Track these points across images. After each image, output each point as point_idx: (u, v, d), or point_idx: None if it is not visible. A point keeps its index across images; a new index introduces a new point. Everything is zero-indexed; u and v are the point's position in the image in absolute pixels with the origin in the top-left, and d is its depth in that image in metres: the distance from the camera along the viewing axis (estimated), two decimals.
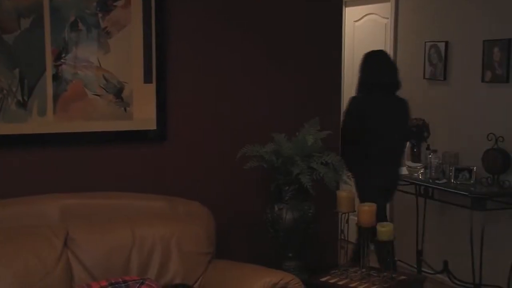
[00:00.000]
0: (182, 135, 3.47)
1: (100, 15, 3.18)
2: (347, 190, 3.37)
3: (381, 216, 3.55)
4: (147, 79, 3.32)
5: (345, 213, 3.31)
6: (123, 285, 2.70)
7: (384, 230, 3.17)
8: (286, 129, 3.40)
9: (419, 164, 4.68)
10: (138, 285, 2.69)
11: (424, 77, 5.11)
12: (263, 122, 3.63)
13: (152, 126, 3.37)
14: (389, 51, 5.40)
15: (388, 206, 4.94)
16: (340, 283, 3.17)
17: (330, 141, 3.49)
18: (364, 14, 5.92)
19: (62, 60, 3.13)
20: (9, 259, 2.70)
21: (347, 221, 3.32)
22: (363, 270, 3.28)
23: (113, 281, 2.72)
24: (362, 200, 4.00)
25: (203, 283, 3.05)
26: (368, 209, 3.22)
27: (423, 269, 4.92)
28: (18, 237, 2.80)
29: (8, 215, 2.92)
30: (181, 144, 3.47)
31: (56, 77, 3.12)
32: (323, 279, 3.22)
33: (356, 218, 3.29)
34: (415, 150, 4.70)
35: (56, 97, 3.13)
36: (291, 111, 3.72)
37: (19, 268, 2.70)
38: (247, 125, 3.62)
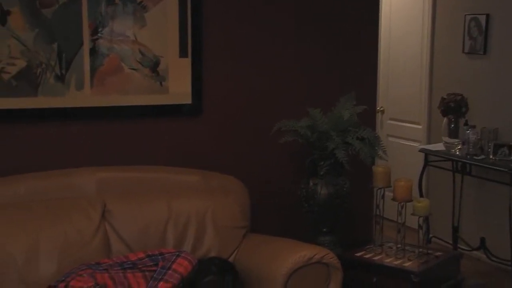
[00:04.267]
0: (217, 109, 3.48)
1: None
2: (383, 165, 3.34)
3: None
4: (182, 53, 3.32)
5: (380, 188, 3.28)
6: (159, 257, 2.74)
7: (421, 205, 3.14)
8: (321, 104, 3.37)
9: (457, 140, 4.60)
10: (174, 257, 2.72)
11: (463, 51, 4.99)
12: (298, 97, 3.61)
13: (188, 100, 3.38)
14: (427, 24, 5.29)
15: (424, 182, 4.89)
16: (375, 258, 3.16)
17: (366, 116, 3.46)
18: None
19: (99, 34, 3.15)
20: (49, 230, 2.76)
21: (383, 197, 3.29)
22: (399, 245, 3.26)
23: (150, 253, 2.76)
24: None
25: (237, 256, 3.07)
26: (404, 184, 3.18)
27: (459, 245, 4.87)
28: (56, 209, 2.86)
29: (47, 187, 2.98)
30: (216, 119, 3.48)
31: (93, 51, 3.14)
32: (358, 254, 3.22)
33: (391, 194, 3.26)
34: (452, 125, 4.62)
35: (93, 71, 3.15)
36: (327, 86, 3.68)
37: (58, 239, 2.76)
38: (282, 100, 3.60)
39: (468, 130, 4.47)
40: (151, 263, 2.72)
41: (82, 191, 3.01)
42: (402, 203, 3.18)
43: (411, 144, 5.49)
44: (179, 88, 3.34)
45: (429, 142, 5.23)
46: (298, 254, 2.82)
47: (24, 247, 2.69)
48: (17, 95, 3.02)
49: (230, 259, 3.04)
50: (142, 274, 2.68)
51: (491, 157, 4.36)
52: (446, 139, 4.65)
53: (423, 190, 4.88)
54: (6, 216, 2.76)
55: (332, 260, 2.87)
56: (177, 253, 2.75)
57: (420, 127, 5.45)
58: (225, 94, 3.49)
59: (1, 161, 3.05)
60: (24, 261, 2.67)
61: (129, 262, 2.70)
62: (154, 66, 3.27)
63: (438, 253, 3.25)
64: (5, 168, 3.01)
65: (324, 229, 3.34)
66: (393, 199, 3.21)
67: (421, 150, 4.79)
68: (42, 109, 3.08)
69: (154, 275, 2.66)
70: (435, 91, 5.24)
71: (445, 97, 4.62)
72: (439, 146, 4.69)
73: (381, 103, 5.66)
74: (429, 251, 3.24)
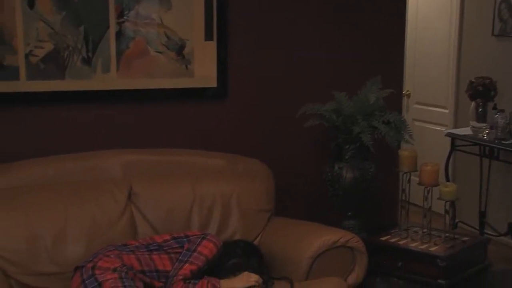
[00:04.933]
0: (242, 93, 3.47)
1: None
2: (409, 149, 3.31)
3: None
4: (208, 37, 3.32)
5: (406, 172, 3.26)
6: (185, 239, 2.76)
7: (448, 190, 3.11)
8: (347, 88, 3.34)
9: (484, 124, 4.53)
10: (199, 240, 2.74)
11: (492, 34, 4.90)
12: (323, 81, 3.59)
13: (213, 83, 3.38)
14: (456, 6, 5.21)
15: (450, 166, 4.84)
16: (400, 242, 3.15)
17: (392, 99, 3.42)
18: None
19: (125, 17, 3.16)
20: (76, 212, 2.80)
21: (409, 181, 3.27)
22: (424, 230, 3.24)
23: (175, 236, 2.78)
24: None
25: (262, 239, 3.08)
26: (431, 168, 3.15)
27: (485, 231, 4.82)
28: (84, 191, 2.89)
29: (73, 169, 3.01)
30: (241, 102, 3.48)
31: (119, 34, 3.15)
32: (383, 238, 3.20)
33: (417, 178, 3.23)
34: (480, 110, 4.55)
35: (119, 54, 3.17)
36: (353, 70, 3.65)
37: (85, 220, 2.80)
38: (307, 83, 3.58)
39: (496, 114, 4.41)
40: (177, 245, 2.74)
41: (109, 174, 3.04)
42: (429, 188, 3.15)
43: (437, 128, 5.43)
44: (204, 71, 3.34)
45: (456, 127, 5.17)
46: (323, 237, 2.82)
47: (53, 228, 2.73)
48: (45, 77, 3.05)
49: (255, 242, 3.05)
50: (168, 256, 2.70)
51: None
52: (474, 123, 4.58)
53: (450, 175, 4.83)
54: (35, 197, 2.81)
55: (357, 244, 2.86)
56: (202, 235, 2.77)
57: (447, 111, 5.38)
58: (250, 77, 3.48)
59: (30, 143, 3.09)
60: (53, 241, 2.72)
61: (155, 244, 2.73)
62: (179, 50, 3.28)
63: (465, 238, 3.22)
64: (33, 150, 3.05)
65: (349, 213, 3.33)
66: (419, 183, 3.18)
67: (448, 135, 4.74)
68: (69, 91, 3.11)
69: (180, 257, 2.68)
70: (463, 74, 5.16)
71: (473, 80, 4.55)
72: (466, 131, 4.64)
73: (407, 87, 5.59)
74: (456, 236, 3.22)
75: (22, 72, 3.00)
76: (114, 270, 2.47)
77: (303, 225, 3.06)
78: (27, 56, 3.00)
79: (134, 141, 3.26)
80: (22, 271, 2.66)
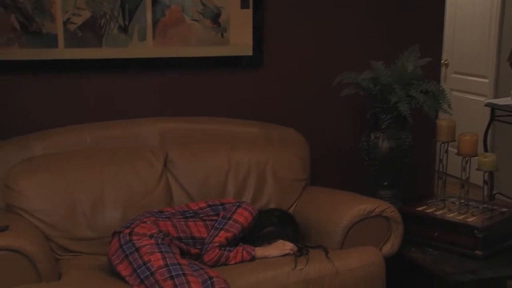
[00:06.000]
0: (278, 61, 3.45)
1: None
2: (447, 119, 3.25)
3: None
4: (244, 4, 3.29)
5: (444, 142, 3.21)
6: (220, 207, 2.78)
7: (487, 160, 3.05)
8: (384, 56, 3.29)
9: None
10: (235, 208, 2.76)
11: None
12: (360, 49, 3.54)
13: (249, 52, 3.36)
14: None
15: (489, 137, 4.75)
16: (437, 213, 3.12)
17: (431, 68, 3.36)
18: None
19: None
20: (113, 178, 2.84)
21: (446, 151, 3.21)
22: (462, 201, 3.20)
23: (211, 203, 2.80)
24: None
25: (297, 208, 3.08)
26: (469, 138, 3.10)
27: None
28: (120, 158, 2.93)
29: (110, 137, 3.05)
30: (277, 70, 3.45)
31: (155, 2, 3.15)
32: (419, 209, 3.17)
33: (455, 150, 3.18)
34: None
35: (155, 22, 3.17)
36: (390, 38, 3.59)
37: (122, 187, 2.84)
38: (344, 52, 3.54)
39: None
40: (212, 213, 2.77)
41: (145, 141, 3.07)
42: (467, 158, 3.10)
43: (476, 98, 5.33)
44: (240, 39, 3.32)
45: (496, 96, 5.06)
46: (358, 207, 2.81)
47: (91, 194, 2.78)
48: (82, 45, 3.08)
49: (290, 211, 3.05)
50: (204, 223, 2.73)
51: None
52: None
53: (489, 146, 4.74)
54: (74, 163, 2.85)
55: (393, 214, 2.85)
56: (238, 203, 2.79)
57: (486, 80, 5.27)
58: (286, 46, 3.45)
59: (67, 110, 3.14)
60: (91, 207, 2.77)
61: (190, 211, 2.76)
62: (215, 17, 3.26)
63: (504, 210, 3.17)
64: (71, 118, 3.10)
65: (385, 183, 3.30)
66: (458, 153, 3.12)
67: (487, 105, 4.64)
68: (106, 59, 3.13)
69: (215, 225, 2.71)
70: (505, 42, 5.03)
71: None
72: (506, 101, 4.53)
73: (445, 56, 5.48)
74: (494, 207, 3.17)
75: (60, 39, 3.03)
76: (151, 236, 2.51)
77: (338, 194, 3.06)
78: (65, 23, 3.03)
79: (169, 109, 3.28)
80: (61, 235, 2.72)
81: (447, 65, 5.63)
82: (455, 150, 3.16)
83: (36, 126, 3.01)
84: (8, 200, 2.74)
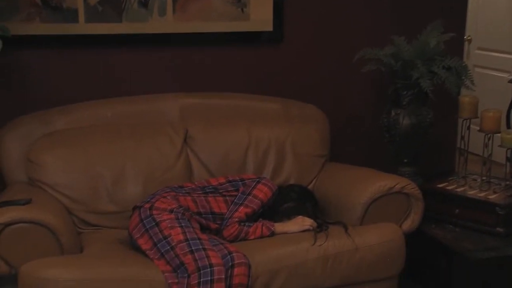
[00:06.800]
0: (298, 37, 3.42)
1: None
2: (470, 95, 3.21)
3: None
4: None
5: (466, 119, 3.17)
6: (240, 183, 2.79)
7: (510, 137, 3.01)
8: (406, 32, 3.24)
9: None
10: (254, 183, 2.76)
11: None
12: (382, 25, 3.49)
13: (269, 27, 3.34)
14: None
15: None
16: (458, 190, 3.09)
17: (454, 44, 3.31)
18: None
19: None
20: (134, 153, 2.86)
21: (468, 128, 3.18)
22: (483, 178, 3.17)
23: (230, 179, 2.81)
24: None
25: (317, 184, 3.08)
26: (493, 115, 3.06)
27: None
28: (141, 133, 2.94)
29: (131, 112, 3.06)
30: (297, 46, 3.43)
31: None
32: (440, 185, 3.15)
33: (477, 127, 3.14)
34: None
35: None
36: (412, 13, 3.53)
37: (142, 162, 2.86)
38: (365, 28, 3.50)
39: None
40: (232, 188, 2.77)
41: (165, 117, 3.08)
42: (489, 135, 3.07)
43: (499, 75, 5.25)
44: (260, 15, 3.30)
45: None
46: (378, 183, 2.80)
47: (112, 168, 2.80)
48: (103, 20, 3.07)
49: (309, 187, 3.05)
50: (223, 199, 2.74)
51: None
52: None
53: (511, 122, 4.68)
54: (95, 138, 2.88)
55: (414, 191, 2.83)
56: (258, 179, 2.79)
57: (510, 56, 5.18)
58: (307, 21, 3.42)
59: (87, 85, 3.15)
60: (113, 181, 2.79)
61: (210, 187, 2.77)
62: None
63: None
64: (91, 93, 3.11)
65: (405, 160, 3.28)
66: (480, 130, 3.09)
67: (511, 81, 4.58)
68: (126, 34, 3.13)
69: (235, 200, 2.72)
70: None
71: None
72: None
73: (468, 32, 5.39)
74: None
75: (81, 14, 3.04)
76: (171, 211, 2.53)
77: (358, 170, 3.04)
78: None
79: (189, 84, 3.27)
80: (83, 209, 2.75)
81: (470, 41, 5.54)
82: (477, 128, 3.13)
83: (58, 101, 3.03)
84: (30, 174, 2.78)
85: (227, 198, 2.74)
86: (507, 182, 3.13)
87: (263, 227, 2.66)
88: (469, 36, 5.49)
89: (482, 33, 5.48)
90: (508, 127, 4.55)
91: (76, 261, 2.38)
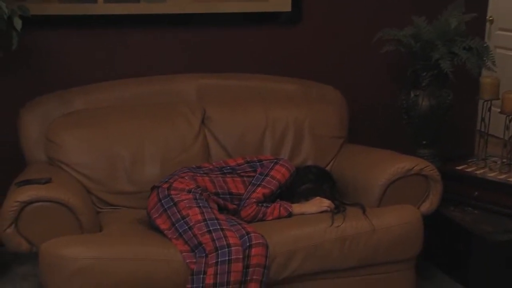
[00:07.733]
0: (317, 17, 3.39)
1: None
2: (491, 76, 3.17)
3: None
4: None
5: (487, 100, 3.13)
6: (258, 163, 2.78)
7: None
8: (427, 12, 3.20)
9: None
10: (272, 164, 2.76)
11: None
12: (401, 5, 3.45)
13: (287, 8, 3.31)
14: None
15: None
16: (477, 172, 3.07)
17: (475, 24, 3.26)
18: None
19: None
20: (152, 134, 2.87)
21: (489, 110, 3.15)
22: (504, 160, 3.14)
23: (248, 159, 2.81)
24: None
25: (335, 165, 3.07)
26: None
27: None
28: (159, 114, 2.95)
29: (148, 92, 3.07)
30: (315, 27, 3.40)
31: None
32: (459, 167, 3.13)
33: (497, 109, 3.11)
34: None
35: None
36: None
37: (160, 142, 2.86)
38: (384, 8, 3.46)
39: None
40: (250, 169, 2.77)
41: (183, 97, 3.08)
42: (511, 117, 3.03)
43: None
44: None
45: None
46: (397, 165, 2.77)
47: (130, 149, 2.81)
48: (121, 0, 3.07)
49: (327, 168, 3.04)
50: (241, 179, 2.74)
51: None
52: None
53: None
54: (114, 118, 2.89)
55: (432, 173, 2.81)
56: (275, 160, 2.79)
57: None
58: (325, 2, 3.39)
59: (106, 66, 3.16)
60: (131, 161, 2.80)
61: (228, 167, 2.77)
62: None
63: None
64: (109, 73, 3.12)
65: (424, 142, 3.26)
66: (501, 112, 3.06)
67: None
68: (144, 15, 3.12)
69: (253, 181, 2.72)
70: None
71: None
72: None
73: (489, 12, 5.31)
74: None
75: None
76: (189, 191, 2.53)
77: (376, 152, 3.02)
78: None
79: (207, 65, 3.27)
80: (102, 189, 2.77)
81: (491, 22, 5.46)
82: (498, 110, 3.09)
83: (76, 81, 3.04)
84: (50, 154, 2.80)
85: (245, 178, 2.74)
86: None
87: (281, 208, 2.66)
88: (490, 16, 5.41)
89: (504, 14, 5.40)
90: None
91: (95, 239, 2.40)
